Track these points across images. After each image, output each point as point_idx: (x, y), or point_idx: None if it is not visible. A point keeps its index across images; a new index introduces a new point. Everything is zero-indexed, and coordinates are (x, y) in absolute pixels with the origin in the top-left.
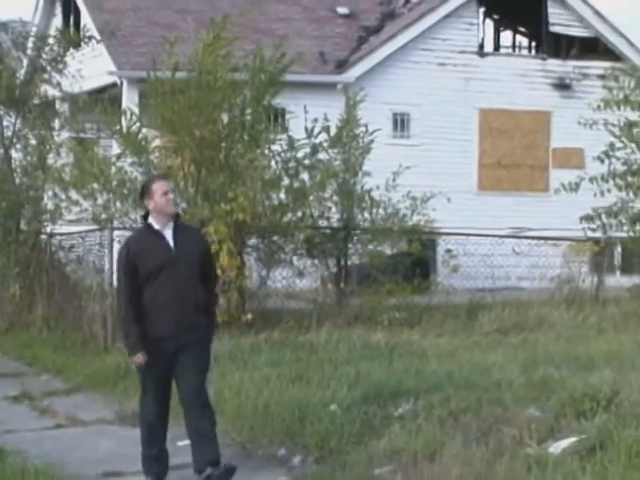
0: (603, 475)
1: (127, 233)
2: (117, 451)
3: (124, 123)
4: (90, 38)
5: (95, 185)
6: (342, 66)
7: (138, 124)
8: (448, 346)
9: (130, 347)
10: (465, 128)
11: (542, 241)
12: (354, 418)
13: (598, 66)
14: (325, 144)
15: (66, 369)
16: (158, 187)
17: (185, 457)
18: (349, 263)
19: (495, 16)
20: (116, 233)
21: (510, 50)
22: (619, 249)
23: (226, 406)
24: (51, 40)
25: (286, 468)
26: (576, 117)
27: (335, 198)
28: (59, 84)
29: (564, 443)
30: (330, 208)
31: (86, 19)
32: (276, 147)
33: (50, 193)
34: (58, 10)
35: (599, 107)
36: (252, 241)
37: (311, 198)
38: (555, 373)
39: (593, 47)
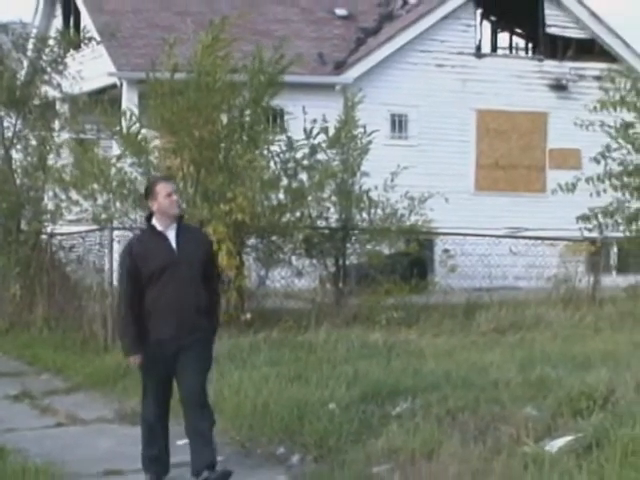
0: (599, 473)
1: (127, 233)
2: (117, 449)
3: (124, 124)
4: (90, 39)
5: (95, 185)
6: (340, 67)
7: (138, 125)
8: (446, 345)
9: (126, 348)
10: (462, 129)
11: (539, 241)
12: (352, 417)
13: (594, 67)
14: (324, 145)
15: (66, 368)
16: (162, 188)
17: (184, 456)
18: (347, 263)
19: (492, 18)
20: (116, 233)
21: (507, 51)
22: (615, 249)
23: (225, 405)
24: (51, 41)
25: (285, 467)
26: (573, 118)
27: (333, 198)
28: (59, 85)
29: (561, 441)
30: (328, 208)
31: (86, 20)
32: (275, 148)
33: (50, 193)
34: (58, 12)
35: (595, 108)
36: (251, 241)
37: (310, 198)
38: (552, 372)
39: (589, 48)
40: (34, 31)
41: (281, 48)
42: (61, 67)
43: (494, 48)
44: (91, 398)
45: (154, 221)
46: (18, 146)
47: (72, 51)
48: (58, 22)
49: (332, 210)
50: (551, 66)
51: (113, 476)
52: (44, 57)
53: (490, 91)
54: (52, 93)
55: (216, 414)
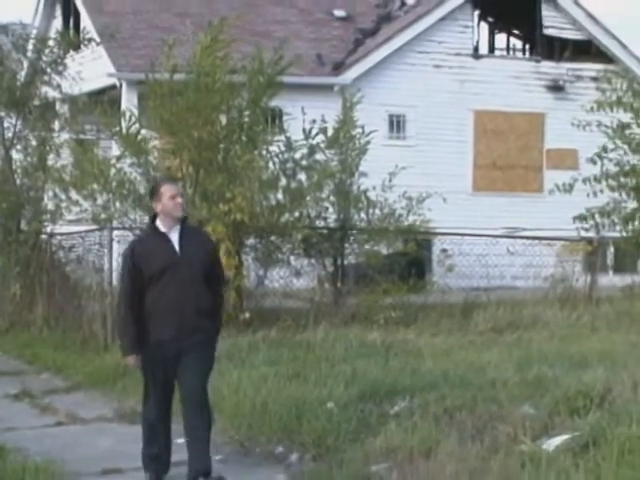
0: (596, 472)
1: (126, 233)
2: (117, 448)
3: (123, 124)
4: (90, 40)
5: (95, 186)
6: (339, 68)
7: (137, 125)
8: (443, 345)
9: (125, 348)
10: (460, 129)
11: (536, 241)
12: (351, 416)
13: (591, 68)
14: (322, 145)
15: (66, 367)
16: (166, 190)
17: (184, 455)
18: (346, 263)
19: (490, 19)
20: (115, 233)
21: (504, 52)
22: (612, 249)
23: (224, 404)
24: (51, 42)
25: (284, 465)
26: (570, 119)
27: (332, 198)
28: (59, 86)
29: (558, 440)
30: (327, 208)
31: (86, 21)
32: (274, 148)
33: (50, 193)
34: (58, 12)
35: (592, 109)
36: (250, 241)
37: (308, 198)
38: (549, 371)
39: (586, 49)
40: (34, 32)
41: (281, 49)
42: (61, 68)
43: (491, 49)
44: (91, 397)
45: (158, 222)
46: (18, 146)
47: (72, 52)
48: (58, 23)
49: (330, 210)
50: (548, 67)
51: (113, 474)
52: (44, 58)
53: (487, 92)
54: (52, 94)
55: (215, 413)
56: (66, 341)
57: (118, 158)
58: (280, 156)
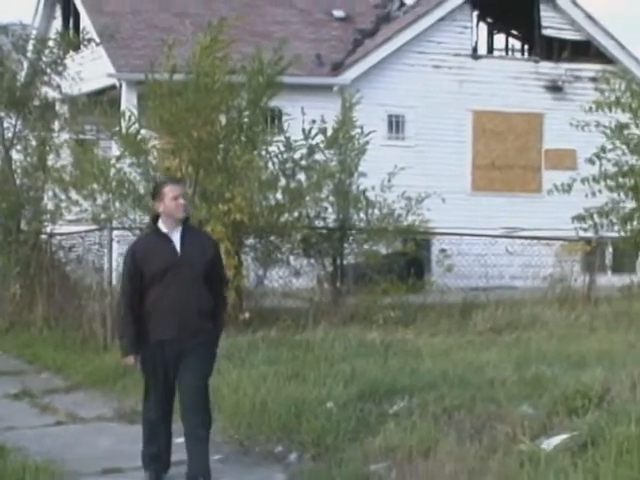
0: (594, 471)
1: (126, 233)
2: (116, 448)
3: (123, 125)
4: (89, 41)
5: (95, 186)
6: (338, 68)
7: (137, 125)
8: (442, 345)
9: (123, 348)
10: (459, 130)
11: (535, 241)
12: (350, 415)
13: (590, 69)
14: (322, 145)
15: (66, 367)
16: (169, 191)
17: (183, 454)
18: (345, 263)
19: (488, 19)
20: (115, 233)
21: (503, 53)
22: (610, 249)
23: (224, 403)
24: (51, 43)
25: (283, 465)
26: (568, 119)
27: (331, 198)
28: (59, 86)
29: (556, 440)
30: (326, 208)
31: (85, 22)
32: (273, 148)
33: (50, 193)
34: (58, 13)
35: (591, 109)
36: (249, 241)
37: (307, 198)
38: (548, 371)
39: (585, 50)
40: (34, 32)
41: (280, 50)
42: (61, 68)
43: (490, 50)
44: (91, 397)
45: (160, 222)
46: (18, 146)
47: (71, 52)
48: (58, 23)
49: (330, 210)
50: (547, 67)
51: (113, 474)
52: (44, 58)
53: (486, 92)
54: (52, 94)
55: (215, 412)
56: (66, 341)
57: (118, 158)
58: (279, 156)
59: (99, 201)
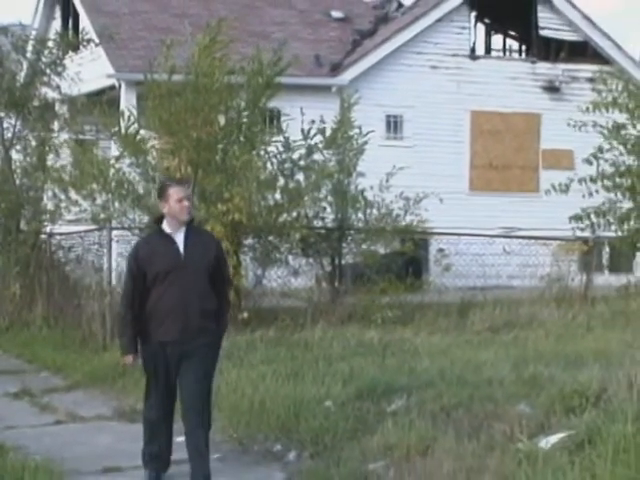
0: (591, 470)
1: (125, 233)
2: (116, 446)
3: (122, 125)
4: (89, 41)
5: (94, 186)
6: (337, 69)
7: (136, 126)
8: (440, 344)
9: (122, 347)
10: (457, 130)
11: (532, 240)
12: (348, 414)
13: (587, 69)
14: (320, 145)
15: (65, 366)
16: (174, 192)
17: (182, 453)
18: (343, 262)
19: (486, 20)
20: (114, 233)
21: (501, 53)
22: (607, 248)
23: (223, 403)
24: (50, 43)
25: (282, 463)
26: (565, 119)
27: (330, 198)
28: (58, 87)
29: (554, 438)
30: (325, 208)
31: (85, 22)
32: (272, 148)
33: (50, 193)
34: (57, 14)
35: (588, 109)
36: (248, 241)
37: (306, 198)
38: (545, 370)
39: (582, 51)
40: (33, 33)
41: (280, 51)
42: (60, 69)
43: (488, 50)
44: (90, 396)
45: (164, 223)
46: (18, 147)
47: (71, 53)
48: (57, 24)
49: (328, 210)
50: (544, 68)
51: (112, 473)
52: (43, 59)
53: (484, 92)
54: (51, 94)
55: (214, 412)
56: (65, 340)
57: (117, 158)
58: (278, 156)
59: (98, 201)
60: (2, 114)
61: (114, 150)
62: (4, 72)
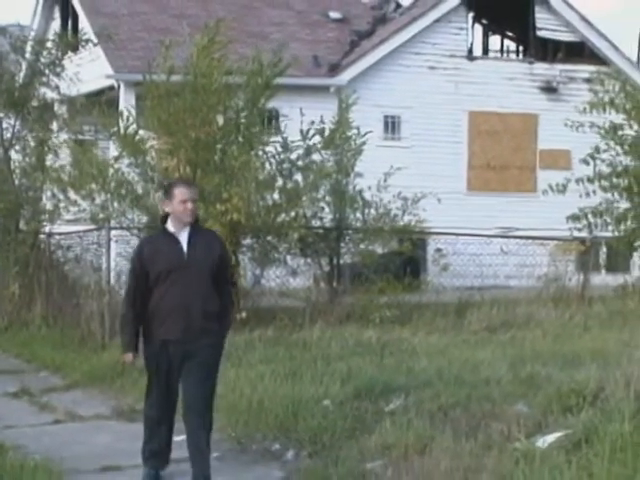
0: (588, 469)
1: (124, 233)
2: (115, 446)
3: (121, 125)
4: (87, 42)
5: (93, 186)
6: (335, 69)
7: (135, 126)
8: (438, 344)
9: (123, 345)
10: (455, 130)
11: (530, 240)
12: (346, 413)
13: (584, 70)
14: (319, 146)
15: (64, 366)
16: (179, 193)
17: (182, 452)
18: (341, 262)
19: (484, 21)
20: (113, 233)
21: (498, 54)
22: (604, 248)
23: (221, 402)
24: (49, 44)
25: (280, 462)
26: (563, 120)
27: (328, 198)
28: (57, 87)
29: (551, 438)
30: (323, 208)
31: (84, 23)
32: (270, 149)
33: (49, 193)
34: (56, 14)
35: (585, 110)
36: (246, 241)
37: (304, 198)
38: (542, 370)
39: (579, 51)
40: (32, 34)
41: (279, 52)
42: (59, 69)
43: (485, 51)
44: (89, 395)
45: (168, 222)
46: (17, 147)
47: (70, 53)
48: (56, 25)
49: (326, 210)
50: (541, 69)
51: (111, 472)
52: (42, 59)
53: (482, 93)
54: (50, 95)
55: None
56: (64, 340)
57: (116, 158)
58: (276, 157)
59: (97, 201)
60: (1, 114)
61: (113, 150)
62: (3, 72)
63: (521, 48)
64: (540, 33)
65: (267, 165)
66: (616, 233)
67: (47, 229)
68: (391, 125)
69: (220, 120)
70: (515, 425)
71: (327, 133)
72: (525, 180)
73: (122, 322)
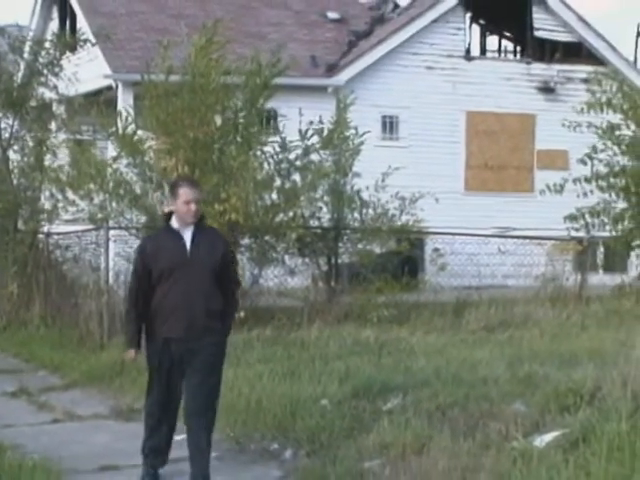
0: (585, 468)
1: (122, 232)
2: (113, 445)
3: (120, 125)
4: (86, 42)
5: (92, 186)
6: (333, 69)
7: (133, 126)
8: (436, 343)
9: (125, 342)
10: (452, 130)
11: (527, 240)
12: (344, 413)
13: (581, 70)
14: (317, 146)
15: (63, 365)
16: (183, 193)
17: (180, 451)
18: (339, 262)
19: (481, 21)
20: (112, 232)
21: (496, 54)
22: (602, 248)
23: (220, 402)
24: (47, 44)
25: (278, 462)
26: (560, 120)
27: (326, 198)
28: (56, 87)
29: (548, 437)
30: (321, 208)
31: (82, 23)
32: (268, 149)
33: (47, 193)
34: (55, 14)
35: (582, 110)
36: (245, 241)
37: (302, 198)
38: (540, 369)
39: (577, 52)
40: (31, 34)
41: (278, 52)
42: (57, 69)
43: (483, 51)
44: (87, 395)
45: (172, 219)
46: (15, 147)
47: (68, 53)
48: (54, 25)
49: (324, 210)
50: (539, 69)
51: (109, 471)
52: (40, 59)
53: (479, 93)
54: (48, 95)
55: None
56: (63, 339)
57: (114, 158)
58: (275, 157)
59: (96, 201)
60: (0, 114)
61: (111, 150)
62: (1, 73)
63: (519, 48)
64: (537, 33)
65: (265, 165)
66: (613, 233)
67: (45, 229)
68: (389, 125)
69: (218, 120)
70: (513, 424)
71: (325, 133)
72: (523, 180)
73: (125, 319)
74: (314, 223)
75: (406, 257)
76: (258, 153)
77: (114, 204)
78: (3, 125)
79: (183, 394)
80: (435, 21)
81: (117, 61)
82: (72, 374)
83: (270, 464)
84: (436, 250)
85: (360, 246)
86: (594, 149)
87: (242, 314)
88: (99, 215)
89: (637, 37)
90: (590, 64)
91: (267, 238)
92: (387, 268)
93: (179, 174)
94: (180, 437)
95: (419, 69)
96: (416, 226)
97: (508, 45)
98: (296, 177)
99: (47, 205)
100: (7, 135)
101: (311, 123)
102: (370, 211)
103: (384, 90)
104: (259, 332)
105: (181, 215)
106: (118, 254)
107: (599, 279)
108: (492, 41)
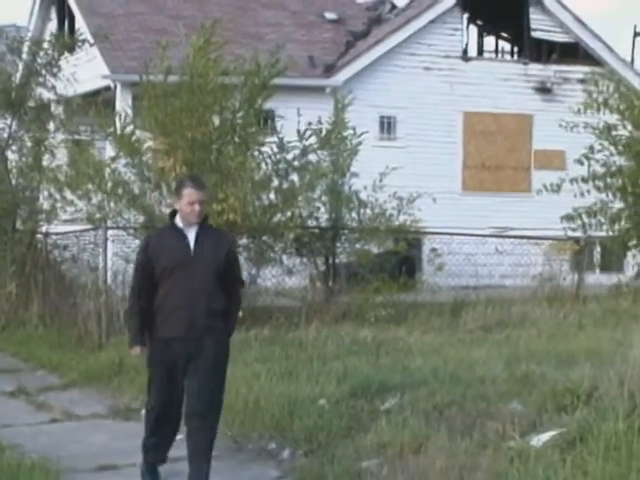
0: (582, 467)
1: (121, 232)
2: (111, 445)
3: (118, 125)
4: (84, 42)
5: (90, 186)
6: (330, 70)
7: (131, 126)
8: (433, 343)
9: (129, 339)
10: (450, 131)
11: (524, 240)
12: (342, 412)
13: (578, 70)
14: (315, 146)
15: (61, 365)
16: (187, 194)
17: (179, 451)
18: (337, 262)
19: (478, 22)
20: (110, 232)
21: (493, 55)
22: (598, 248)
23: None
24: (46, 44)
25: (276, 461)
26: (557, 120)
27: (324, 198)
28: (54, 87)
29: (545, 436)
30: (319, 208)
31: (80, 24)
32: (266, 149)
33: (45, 193)
34: (53, 15)
35: (579, 110)
36: (243, 241)
37: (300, 199)
38: (537, 369)
39: (573, 52)
40: (29, 34)
41: (277, 53)
42: (55, 70)
43: (480, 52)
44: (86, 394)
45: (177, 218)
46: (13, 147)
47: (66, 54)
48: (53, 25)
49: (322, 210)
50: (536, 69)
51: (108, 471)
52: (39, 60)
53: (477, 94)
54: (47, 95)
55: None
56: (61, 339)
57: (113, 159)
58: (272, 157)
59: (94, 201)
60: None
61: (109, 150)
62: (0, 73)
63: (516, 49)
64: (534, 34)
65: (263, 165)
66: (610, 233)
67: (44, 229)
68: (386, 125)
69: (216, 120)
70: (510, 424)
71: (323, 133)
72: (520, 180)
73: (127, 316)
74: (312, 223)
75: (404, 257)
76: (256, 153)
77: (112, 204)
78: (1, 125)
79: (185, 396)
80: (432, 22)
81: (115, 61)
82: (70, 374)
83: (268, 464)
84: (434, 250)
85: (358, 246)
86: (591, 149)
87: (240, 314)
88: (97, 215)
89: (634, 37)
90: (587, 64)
91: (265, 238)
92: (385, 268)
93: (176, 174)
94: (180, 437)
95: (416, 69)
96: (414, 226)
97: (505, 46)
98: (294, 177)
99: (45, 205)
100: (5, 135)
101: (309, 124)
102: (368, 211)
103: (382, 90)
104: (257, 332)
105: (185, 215)
106: (116, 254)
107: (596, 279)
108: (489, 42)
